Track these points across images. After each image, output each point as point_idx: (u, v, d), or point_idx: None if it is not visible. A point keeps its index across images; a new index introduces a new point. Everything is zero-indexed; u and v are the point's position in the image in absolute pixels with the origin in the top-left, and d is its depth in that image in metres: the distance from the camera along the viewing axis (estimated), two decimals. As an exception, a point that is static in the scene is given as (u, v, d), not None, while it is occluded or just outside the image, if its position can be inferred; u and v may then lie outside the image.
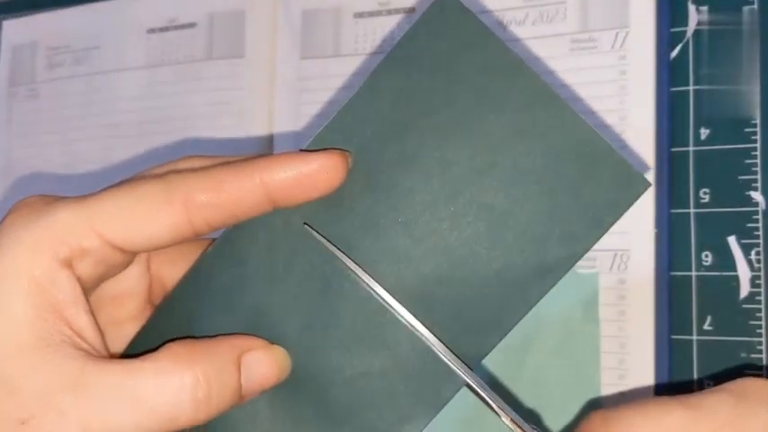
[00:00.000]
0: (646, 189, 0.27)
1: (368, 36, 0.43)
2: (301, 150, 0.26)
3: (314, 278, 0.27)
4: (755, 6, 0.37)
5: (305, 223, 0.27)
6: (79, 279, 0.24)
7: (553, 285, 0.27)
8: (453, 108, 0.27)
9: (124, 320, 0.28)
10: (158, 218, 0.24)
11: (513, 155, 0.27)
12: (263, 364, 0.26)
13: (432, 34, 0.27)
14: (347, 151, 0.27)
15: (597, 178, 0.27)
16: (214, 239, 0.28)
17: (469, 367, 0.27)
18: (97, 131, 0.48)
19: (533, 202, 0.27)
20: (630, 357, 0.36)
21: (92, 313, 0.25)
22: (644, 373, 0.36)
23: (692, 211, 0.37)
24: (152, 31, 0.48)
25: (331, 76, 0.43)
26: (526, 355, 0.37)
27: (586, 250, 0.27)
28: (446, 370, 0.27)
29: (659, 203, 0.37)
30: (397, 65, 0.27)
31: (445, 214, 0.27)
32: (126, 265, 0.26)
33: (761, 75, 0.37)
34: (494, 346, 0.27)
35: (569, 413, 0.37)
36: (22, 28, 0.52)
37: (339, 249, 0.27)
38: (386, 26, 0.43)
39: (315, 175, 0.25)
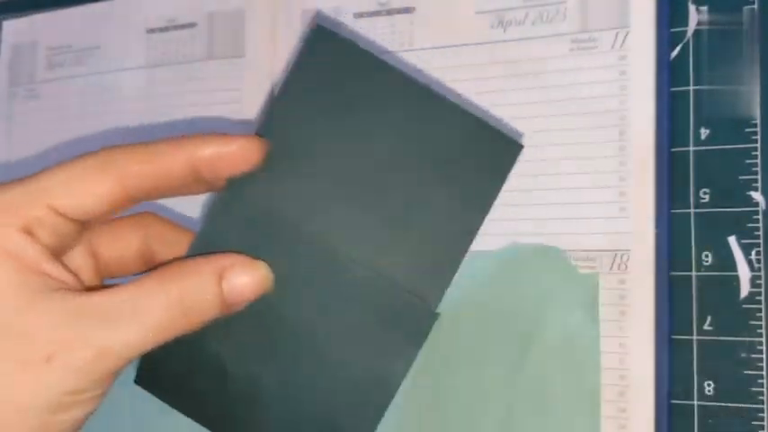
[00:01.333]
0: (520, 151, 0.31)
1: (368, 36, 0.43)
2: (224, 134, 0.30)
3: (278, 251, 0.30)
4: (755, 6, 0.37)
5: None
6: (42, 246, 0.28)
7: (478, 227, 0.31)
8: (348, 118, 0.31)
9: None
10: (97, 187, 0.28)
11: (403, 146, 0.31)
12: (243, 277, 0.29)
13: (313, 62, 0.31)
14: (264, 138, 0.30)
15: (479, 150, 0.31)
16: (144, 213, 0.32)
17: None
18: (97, 132, 0.48)
19: (433, 183, 0.31)
20: (630, 357, 0.36)
21: (64, 265, 0.28)
22: (644, 373, 0.36)
23: (692, 211, 0.37)
24: (152, 31, 0.48)
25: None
26: (526, 355, 0.37)
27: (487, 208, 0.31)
28: (419, 305, 0.30)
29: (659, 203, 0.37)
30: (292, 94, 0.31)
31: (369, 198, 0.31)
32: (78, 234, 0.29)
33: (761, 75, 0.37)
34: (449, 283, 0.31)
35: (569, 413, 0.37)
36: (22, 28, 0.52)
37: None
38: (386, 26, 0.43)
39: (235, 153, 0.29)
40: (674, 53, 0.39)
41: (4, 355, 0.26)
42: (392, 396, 0.31)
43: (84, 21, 0.50)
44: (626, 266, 0.37)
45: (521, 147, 0.31)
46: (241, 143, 0.30)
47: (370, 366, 0.31)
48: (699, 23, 0.38)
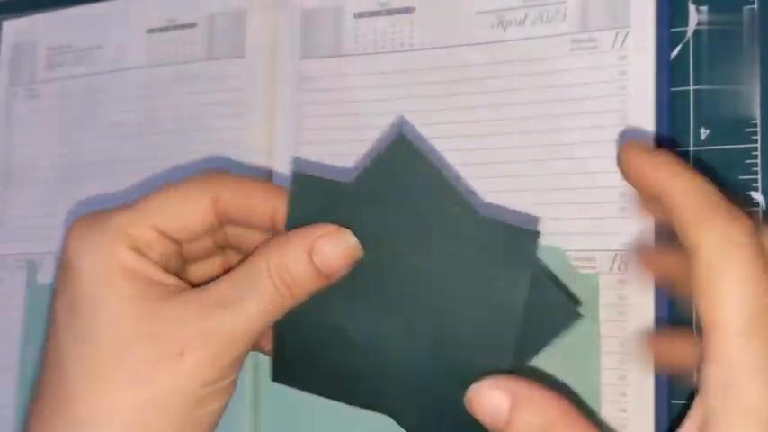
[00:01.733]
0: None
1: (368, 36, 0.43)
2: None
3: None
4: (755, 6, 0.37)
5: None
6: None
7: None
8: (410, 230, 0.31)
9: None
10: (194, 208, 0.31)
11: (461, 279, 0.31)
12: (332, 248, 0.30)
13: (388, 168, 0.31)
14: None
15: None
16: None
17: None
18: (97, 131, 0.48)
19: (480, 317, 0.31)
20: (630, 357, 0.36)
21: (174, 275, 0.31)
22: (644, 374, 0.36)
23: (692, 211, 0.37)
24: (152, 31, 0.48)
25: (331, 76, 0.43)
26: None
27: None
28: (520, 229, 0.31)
29: (659, 203, 0.37)
30: (362, 192, 0.31)
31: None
32: (180, 254, 0.32)
33: (761, 75, 0.37)
34: None
35: (569, 413, 0.37)
36: (22, 28, 0.52)
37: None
38: (386, 26, 0.43)
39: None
40: (674, 53, 0.39)
41: (139, 357, 0.28)
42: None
43: (84, 21, 0.50)
44: (626, 266, 0.37)
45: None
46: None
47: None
48: (699, 23, 0.38)
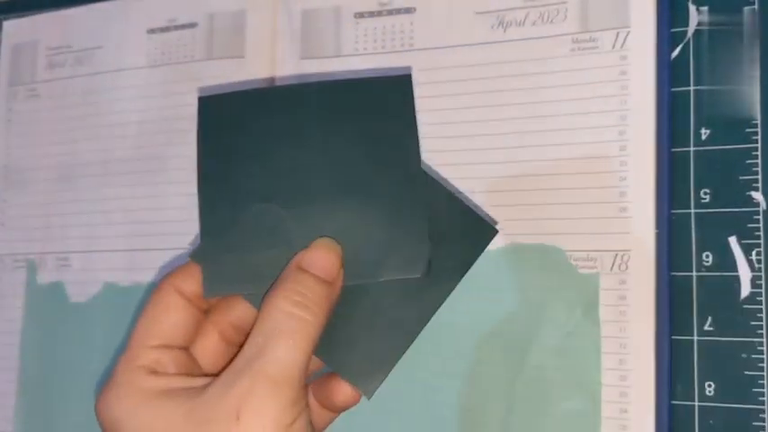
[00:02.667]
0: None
1: (368, 36, 0.43)
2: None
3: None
4: (755, 6, 0.37)
5: None
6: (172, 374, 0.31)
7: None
8: (275, 147, 0.33)
9: None
10: (170, 313, 0.32)
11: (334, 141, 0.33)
12: (315, 254, 0.31)
13: (214, 128, 0.33)
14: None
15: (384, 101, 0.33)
16: None
17: None
18: (97, 131, 0.48)
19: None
20: (631, 358, 0.36)
21: (199, 370, 0.32)
22: (644, 374, 0.36)
23: (692, 211, 0.37)
24: (152, 31, 0.48)
25: (331, 76, 0.43)
26: (526, 355, 0.37)
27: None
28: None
29: (659, 203, 0.37)
30: (213, 160, 0.33)
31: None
32: (189, 358, 0.32)
33: (761, 75, 0.37)
34: None
35: (569, 413, 0.37)
36: (22, 28, 0.52)
37: None
38: (386, 26, 0.43)
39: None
40: (675, 53, 0.39)
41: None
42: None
43: (84, 21, 0.50)
44: (626, 267, 0.37)
45: (408, 78, 0.32)
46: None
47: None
48: (699, 23, 0.38)
